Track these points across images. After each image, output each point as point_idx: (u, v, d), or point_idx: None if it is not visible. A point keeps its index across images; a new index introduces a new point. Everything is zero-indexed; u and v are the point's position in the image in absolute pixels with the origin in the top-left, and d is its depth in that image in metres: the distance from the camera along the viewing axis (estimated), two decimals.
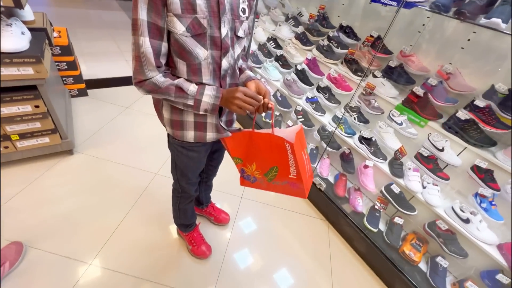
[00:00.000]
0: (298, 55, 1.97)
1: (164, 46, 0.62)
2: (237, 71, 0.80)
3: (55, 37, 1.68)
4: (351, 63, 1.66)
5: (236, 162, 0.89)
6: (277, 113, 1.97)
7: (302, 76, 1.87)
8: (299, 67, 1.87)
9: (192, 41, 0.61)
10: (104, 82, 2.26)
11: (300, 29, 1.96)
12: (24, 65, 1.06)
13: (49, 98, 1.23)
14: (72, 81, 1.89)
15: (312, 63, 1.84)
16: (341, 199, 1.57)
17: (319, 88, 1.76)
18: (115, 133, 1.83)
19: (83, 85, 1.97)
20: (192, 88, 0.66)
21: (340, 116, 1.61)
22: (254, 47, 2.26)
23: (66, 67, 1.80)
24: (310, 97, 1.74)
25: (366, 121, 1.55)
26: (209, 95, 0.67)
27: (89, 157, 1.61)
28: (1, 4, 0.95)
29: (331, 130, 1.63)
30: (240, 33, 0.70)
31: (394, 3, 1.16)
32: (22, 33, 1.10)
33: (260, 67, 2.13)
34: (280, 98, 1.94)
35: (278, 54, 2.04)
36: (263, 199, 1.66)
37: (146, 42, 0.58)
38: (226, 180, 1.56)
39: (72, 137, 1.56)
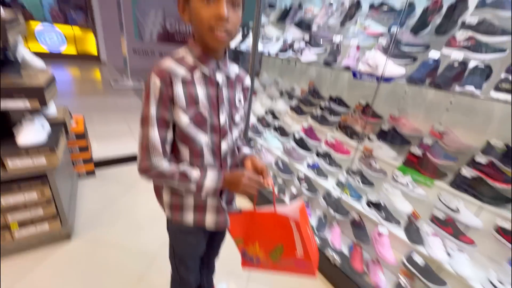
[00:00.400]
0: (295, 124, 2.10)
1: (169, 135, 0.68)
2: (236, 151, 0.85)
3: (72, 127, 1.85)
4: (346, 128, 1.75)
5: (238, 242, 0.84)
6: (280, 181, 1.97)
7: (301, 143, 1.94)
8: (297, 136, 1.97)
9: (195, 129, 0.67)
10: (112, 161, 2.36)
11: (294, 102, 2.16)
12: (38, 155, 1.14)
13: (56, 185, 1.27)
14: (82, 163, 1.98)
15: (309, 131, 1.94)
16: (360, 275, 1.39)
17: (318, 154, 1.81)
18: (116, 213, 1.80)
19: (92, 167, 2.05)
20: (195, 174, 0.69)
21: (344, 181, 1.59)
22: (253, 119, 2.44)
23: (78, 151, 1.92)
24: (311, 163, 1.77)
25: (370, 183, 1.53)
26: (211, 180, 0.70)
27: (87, 241, 1.54)
28: (29, 106, 1.10)
29: (337, 196, 1.59)
30: (237, 119, 0.78)
31: (374, 79, 1.30)
32: (42, 127, 1.22)
33: (260, 137, 2.24)
34: (281, 166, 1.97)
35: (276, 125, 2.18)
36: (273, 280, 1.48)
37: (155, 133, 0.64)
38: (230, 258, 1.43)
39: (72, 220, 1.53)
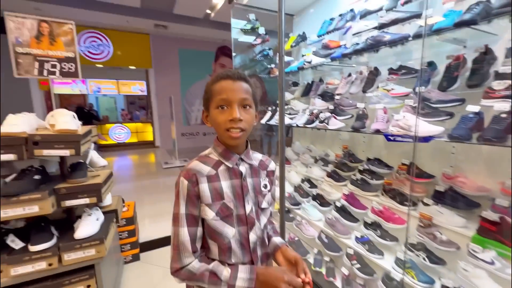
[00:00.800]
0: (334, 191, 1.97)
1: (199, 231, 0.70)
2: (266, 240, 0.81)
3: (123, 211, 2.03)
4: (393, 193, 1.57)
5: None
6: (327, 258, 1.73)
7: (343, 213, 1.77)
8: (338, 204, 1.82)
9: (221, 223, 0.69)
10: (156, 243, 2.42)
11: (330, 167, 2.09)
12: (89, 247, 1.24)
13: (101, 276, 1.31)
14: (129, 248, 2.07)
15: (351, 198, 1.79)
16: None
17: (366, 225, 1.60)
18: None
19: (137, 251, 2.12)
20: (225, 273, 0.67)
21: (405, 258, 1.32)
22: (290, 189, 2.38)
23: (126, 235, 2.04)
24: (359, 236, 1.56)
25: (440, 261, 1.24)
26: (242, 279, 0.66)
27: None
28: (89, 202, 1.27)
29: (399, 278, 1.30)
30: (264, 205, 0.77)
31: (410, 140, 1.22)
32: (97, 219, 1.37)
33: (299, 208, 2.13)
34: (326, 240, 1.76)
35: (315, 193, 2.07)
36: None
37: (184, 232, 0.67)
38: None
39: None
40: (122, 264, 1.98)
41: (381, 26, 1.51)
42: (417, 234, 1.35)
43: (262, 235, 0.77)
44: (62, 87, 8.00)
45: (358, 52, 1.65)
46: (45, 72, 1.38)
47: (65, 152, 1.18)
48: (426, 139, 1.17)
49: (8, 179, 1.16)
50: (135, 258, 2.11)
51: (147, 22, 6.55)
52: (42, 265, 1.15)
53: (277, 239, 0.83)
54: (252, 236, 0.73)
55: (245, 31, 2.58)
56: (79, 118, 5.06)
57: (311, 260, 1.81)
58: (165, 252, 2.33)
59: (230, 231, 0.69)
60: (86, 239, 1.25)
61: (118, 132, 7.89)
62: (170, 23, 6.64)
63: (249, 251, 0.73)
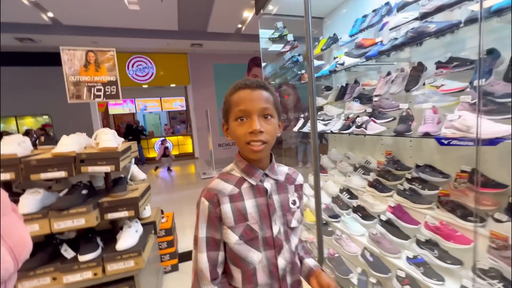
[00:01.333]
0: (378, 203, 1.77)
1: (221, 255, 0.65)
2: (297, 263, 0.73)
3: (163, 222, 2.12)
4: (451, 205, 1.34)
5: None
6: (373, 280, 1.53)
7: (391, 227, 1.57)
8: (383, 217, 1.62)
9: (245, 247, 0.63)
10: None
11: (371, 176, 1.89)
12: (129, 259, 1.30)
13: (140, 286, 1.36)
14: (168, 258, 2.14)
15: (399, 211, 1.58)
16: None
17: (420, 243, 1.38)
18: None
19: (176, 261, 2.18)
20: None
21: (470, 286, 1.09)
22: (327, 200, 2.22)
23: (166, 246, 2.12)
24: (411, 257, 1.35)
25: None
26: None
27: None
28: (128, 215, 1.34)
29: None
30: (294, 223, 0.70)
31: (470, 143, 1.02)
32: (136, 231, 1.44)
33: (338, 221, 1.96)
34: (371, 259, 1.57)
35: (355, 205, 1.89)
36: None
37: (203, 258, 0.63)
38: None
39: None
40: (162, 274, 2.05)
41: (423, 16, 1.34)
42: (488, 257, 1.11)
43: (293, 259, 0.69)
44: (115, 107, 9.04)
45: (397, 47, 1.48)
46: (92, 96, 1.55)
47: (106, 168, 1.28)
48: (493, 142, 0.97)
49: (61, 194, 1.30)
50: (174, 268, 2.17)
51: (185, 43, 7.05)
52: (88, 274, 1.24)
53: (310, 261, 0.75)
54: (281, 261, 0.65)
55: (273, 40, 2.57)
56: (129, 135, 5.56)
57: (355, 281, 1.63)
58: None
59: (255, 256, 0.63)
60: (125, 251, 1.31)
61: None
62: (205, 41, 7.04)
63: (278, 279, 0.65)
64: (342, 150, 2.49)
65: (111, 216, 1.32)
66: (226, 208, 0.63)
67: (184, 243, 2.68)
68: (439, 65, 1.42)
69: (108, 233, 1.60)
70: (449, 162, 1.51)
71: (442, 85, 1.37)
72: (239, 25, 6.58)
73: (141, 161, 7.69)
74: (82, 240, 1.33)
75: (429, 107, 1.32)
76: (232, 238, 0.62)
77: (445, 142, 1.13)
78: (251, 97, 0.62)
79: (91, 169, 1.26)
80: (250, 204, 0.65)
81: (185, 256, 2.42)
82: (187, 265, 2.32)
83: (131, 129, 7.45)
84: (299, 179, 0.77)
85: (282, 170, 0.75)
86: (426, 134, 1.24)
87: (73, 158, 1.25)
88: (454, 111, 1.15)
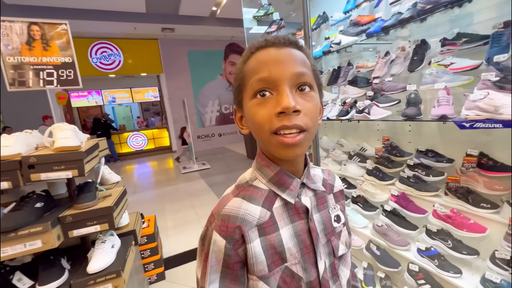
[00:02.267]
0: (379, 192, 1.68)
1: None
2: None
3: (143, 227, 1.86)
4: (461, 192, 1.26)
5: None
6: (381, 274, 1.45)
7: (396, 218, 1.48)
8: (387, 207, 1.53)
9: None
10: (181, 258, 2.25)
11: (369, 164, 1.79)
12: (105, 282, 1.06)
13: None
14: (153, 267, 1.91)
15: (403, 200, 1.49)
16: None
17: (431, 233, 1.30)
18: None
19: (162, 269, 1.95)
20: None
21: (493, 278, 1.03)
22: None
23: (149, 253, 1.88)
24: (423, 249, 1.27)
25: None
26: None
27: None
28: (100, 229, 1.09)
29: None
30: (342, 249, 0.49)
31: (499, 125, 0.91)
32: (112, 246, 1.19)
33: None
34: (377, 252, 1.48)
35: (354, 195, 1.79)
36: None
37: None
38: None
39: None
40: (147, 285, 1.82)
41: None
42: (506, 245, 1.05)
43: None
44: (78, 100, 8.17)
45: (404, 22, 1.34)
46: (41, 83, 1.22)
47: (67, 174, 1.00)
48: None
49: (6, 210, 1.01)
50: (160, 277, 1.95)
51: (154, 27, 6.45)
52: None
53: None
54: None
55: (258, 19, 2.33)
56: (97, 129, 4.98)
57: (360, 276, 1.54)
58: (191, 269, 2.15)
59: None
60: (100, 273, 1.07)
61: (136, 140, 7.93)
62: (176, 25, 6.50)
63: None
64: (334, 137, 2.37)
65: (78, 232, 1.06)
66: (256, 247, 0.41)
67: (169, 247, 2.45)
68: (446, 42, 1.31)
69: (78, 248, 1.33)
70: (451, 145, 1.44)
71: (452, 63, 1.26)
72: (214, 8, 6.15)
73: (114, 158, 7.10)
74: (41, 264, 1.06)
75: (441, 87, 1.20)
76: None
77: (467, 125, 1.02)
78: (278, 58, 0.39)
79: (45, 176, 0.98)
80: (287, 234, 0.43)
81: (172, 262, 2.20)
82: (175, 272, 2.10)
83: (99, 123, 6.78)
84: (338, 183, 0.56)
85: (317, 174, 0.53)
86: (443, 117, 1.13)
87: (18, 163, 0.96)
88: (474, 91, 1.04)
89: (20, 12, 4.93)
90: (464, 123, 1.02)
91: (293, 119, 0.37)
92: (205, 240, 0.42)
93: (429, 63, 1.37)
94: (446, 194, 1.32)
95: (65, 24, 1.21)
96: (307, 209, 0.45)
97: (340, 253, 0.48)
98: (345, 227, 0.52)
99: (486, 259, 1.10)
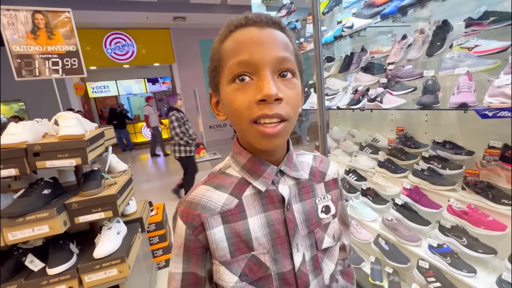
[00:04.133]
0: (391, 185, 1.61)
1: None
2: None
3: (152, 215, 1.91)
4: (480, 186, 1.17)
5: None
6: (389, 270, 1.40)
7: (408, 212, 1.41)
8: (398, 201, 1.46)
9: None
10: None
11: (381, 155, 1.71)
12: (110, 267, 1.09)
13: None
14: (161, 253, 1.96)
15: (416, 194, 1.42)
16: None
17: (444, 229, 1.23)
18: None
19: (170, 255, 2.00)
20: None
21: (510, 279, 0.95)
22: None
23: (157, 240, 1.93)
24: (435, 245, 1.20)
25: None
26: None
27: None
28: (104, 216, 1.11)
29: None
30: (327, 242, 0.46)
31: None
32: (118, 233, 1.22)
33: (346, 206, 1.80)
34: (386, 247, 1.43)
35: (364, 188, 1.72)
36: None
37: None
38: None
39: None
40: (155, 271, 1.88)
41: None
42: None
43: None
44: (96, 90, 8.42)
45: (423, 0, 1.22)
46: (47, 72, 1.23)
47: (70, 162, 1.02)
48: None
49: (15, 196, 1.05)
50: (169, 263, 2.00)
51: (166, 16, 6.43)
52: None
53: None
54: None
55: (267, 4, 2.23)
56: (113, 119, 5.06)
57: (367, 270, 1.50)
58: None
59: None
60: (105, 258, 1.10)
61: (149, 130, 8.12)
62: (188, 13, 6.43)
63: None
64: (345, 127, 2.28)
65: (83, 219, 1.09)
66: (217, 234, 0.40)
67: None
68: (470, 22, 1.19)
69: (87, 234, 1.38)
70: (472, 136, 1.33)
71: (476, 46, 1.15)
72: None
73: (129, 147, 7.32)
74: (51, 248, 1.11)
75: (462, 73, 1.10)
76: (229, 278, 0.40)
77: (490, 114, 0.92)
78: (259, 39, 0.35)
79: (50, 163, 1.00)
80: (256, 223, 0.41)
81: None
82: None
83: (115, 114, 6.98)
84: (331, 170, 0.51)
85: (305, 161, 0.49)
86: (462, 106, 1.03)
87: (24, 151, 0.98)
88: (500, 76, 0.94)
89: (35, 2, 5.06)
90: (486, 112, 0.93)
91: (275, 108, 0.35)
92: (174, 223, 0.44)
93: (451, 46, 1.26)
94: (463, 189, 1.24)
95: (68, 12, 1.21)
96: (283, 198, 0.43)
97: (324, 246, 0.46)
98: (335, 219, 0.49)
99: (504, 258, 1.03)
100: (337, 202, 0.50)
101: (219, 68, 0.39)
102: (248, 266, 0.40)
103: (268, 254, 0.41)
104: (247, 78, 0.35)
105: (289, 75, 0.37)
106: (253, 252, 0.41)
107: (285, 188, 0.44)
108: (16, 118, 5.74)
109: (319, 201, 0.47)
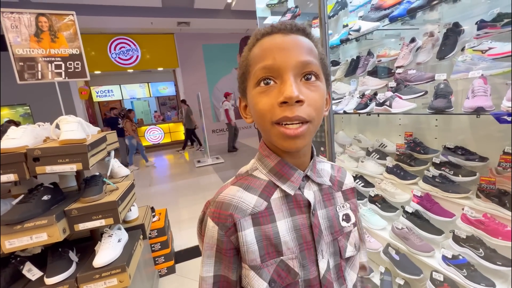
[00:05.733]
0: (400, 192, 1.55)
1: None
2: None
3: (154, 221, 1.87)
4: (496, 195, 1.12)
5: None
6: (400, 281, 1.34)
7: (419, 221, 1.36)
8: (409, 209, 1.41)
9: None
10: (192, 252, 2.25)
11: (389, 161, 1.67)
12: (110, 277, 1.05)
13: None
14: (163, 260, 1.91)
15: (427, 201, 1.36)
16: None
17: (458, 239, 1.17)
18: None
19: (172, 262, 1.96)
20: None
21: None
22: None
23: (159, 247, 1.89)
24: (450, 256, 1.14)
25: None
26: None
27: None
28: (104, 223, 1.07)
29: None
30: (350, 251, 0.46)
31: None
32: (119, 240, 1.18)
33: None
34: (396, 257, 1.37)
35: (372, 195, 1.67)
36: None
37: None
38: None
39: None
40: (157, 278, 1.83)
41: None
42: None
43: None
44: (99, 95, 8.48)
45: (433, 1, 1.19)
46: (50, 75, 1.22)
47: (71, 167, 0.99)
48: None
49: (14, 202, 1.02)
50: (171, 270, 1.96)
51: (170, 21, 6.49)
52: None
53: None
54: None
55: (271, 7, 2.22)
56: (116, 124, 4.98)
57: (377, 280, 1.44)
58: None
59: None
60: (105, 267, 1.06)
61: (153, 134, 8.13)
62: (192, 19, 6.49)
63: None
64: (351, 132, 2.24)
65: (83, 226, 1.05)
66: (248, 236, 0.40)
67: (181, 240, 2.46)
68: (483, 24, 1.15)
69: (87, 241, 1.34)
70: (485, 142, 1.28)
71: (490, 48, 1.11)
72: (229, 0, 6.05)
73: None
74: (49, 256, 1.07)
75: (477, 76, 1.06)
76: (258, 284, 0.39)
77: (508, 119, 0.88)
78: (283, 45, 0.37)
79: (50, 168, 0.97)
80: (284, 227, 0.41)
81: (183, 256, 2.21)
82: (185, 265, 2.10)
83: (118, 118, 7.00)
84: (348, 179, 0.51)
85: (325, 169, 0.49)
86: (479, 110, 0.99)
87: (24, 155, 0.96)
88: None
89: (44, 7, 5.13)
90: (505, 117, 0.88)
91: (296, 110, 0.36)
92: (202, 226, 0.45)
93: (462, 49, 1.22)
94: (478, 197, 1.18)
95: (72, 15, 1.20)
96: (309, 203, 0.43)
97: (347, 254, 0.46)
98: (355, 228, 0.48)
99: None
100: (355, 211, 0.50)
101: (247, 74, 0.41)
102: (277, 271, 0.39)
103: (296, 260, 0.40)
104: (271, 82, 0.37)
105: (312, 78, 0.38)
106: (282, 257, 0.40)
107: (310, 193, 0.44)
108: (11, 122, 5.74)
109: (339, 209, 0.47)
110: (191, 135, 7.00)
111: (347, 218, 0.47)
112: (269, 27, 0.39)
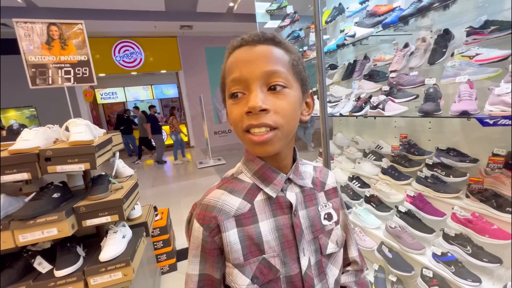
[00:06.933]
0: (394, 192, 1.60)
1: None
2: None
3: (156, 220, 1.93)
4: (485, 195, 1.16)
5: None
6: (393, 278, 1.39)
7: (411, 220, 1.40)
8: (402, 209, 1.46)
9: None
10: None
11: (384, 162, 1.72)
12: (115, 271, 1.11)
13: None
14: (165, 258, 1.97)
15: (420, 201, 1.41)
16: None
17: (448, 237, 1.22)
18: None
19: (174, 260, 2.02)
20: None
21: None
22: None
23: (162, 245, 1.95)
24: (439, 254, 1.19)
25: None
26: None
27: None
28: (110, 220, 1.14)
29: None
30: (331, 248, 0.49)
31: None
32: (123, 236, 1.25)
33: (349, 213, 1.80)
34: (389, 255, 1.42)
35: (368, 195, 1.72)
36: None
37: None
38: None
39: None
40: (158, 275, 1.89)
41: None
42: None
43: None
44: (104, 97, 8.61)
45: (423, 10, 1.25)
46: (59, 80, 1.29)
47: (80, 166, 1.06)
48: None
49: (27, 199, 1.09)
50: (172, 268, 2.02)
51: (173, 25, 6.60)
52: None
53: None
54: None
55: (271, 13, 2.29)
56: (120, 125, 5.10)
57: (371, 278, 1.48)
58: None
59: None
60: (111, 262, 1.13)
61: None
62: (194, 22, 6.59)
63: None
64: (349, 134, 2.29)
65: (91, 222, 1.12)
66: (232, 237, 0.43)
67: (183, 239, 2.52)
68: (472, 31, 1.20)
69: (93, 237, 1.41)
70: (476, 144, 1.33)
71: (477, 54, 1.16)
72: (231, 4, 6.14)
73: (135, 153, 7.42)
74: (58, 250, 1.14)
75: (464, 81, 1.11)
76: (241, 281, 0.42)
77: (490, 122, 0.93)
78: (249, 57, 0.39)
79: (60, 168, 1.04)
80: (266, 227, 0.44)
81: (184, 254, 2.26)
82: (185, 264, 2.16)
83: (122, 119, 7.10)
84: (330, 180, 0.55)
85: (307, 171, 0.52)
86: (464, 113, 1.04)
87: (36, 156, 1.03)
88: (501, 83, 0.95)
89: (51, 13, 5.26)
90: (487, 120, 0.93)
91: (261, 118, 0.38)
92: (189, 226, 0.47)
93: (452, 54, 1.27)
94: (467, 197, 1.23)
95: (81, 24, 1.27)
96: (291, 204, 0.46)
97: (329, 251, 0.48)
98: (338, 226, 0.51)
99: (509, 268, 1.01)
100: (338, 210, 0.53)
101: (224, 85, 0.44)
102: (259, 269, 0.42)
103: (278, 257, 0.43)
104: (239, 94, 0.40)
105: (279, 87, 0.40)
106: (264, 255, 0.43)
107: (292, 195, 0.47)
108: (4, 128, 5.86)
109: (321, 208, 0.50)
110: (142, 144, 7.04)
111: (329, 216, 0.49)
112: (239, 40, 0.41)
